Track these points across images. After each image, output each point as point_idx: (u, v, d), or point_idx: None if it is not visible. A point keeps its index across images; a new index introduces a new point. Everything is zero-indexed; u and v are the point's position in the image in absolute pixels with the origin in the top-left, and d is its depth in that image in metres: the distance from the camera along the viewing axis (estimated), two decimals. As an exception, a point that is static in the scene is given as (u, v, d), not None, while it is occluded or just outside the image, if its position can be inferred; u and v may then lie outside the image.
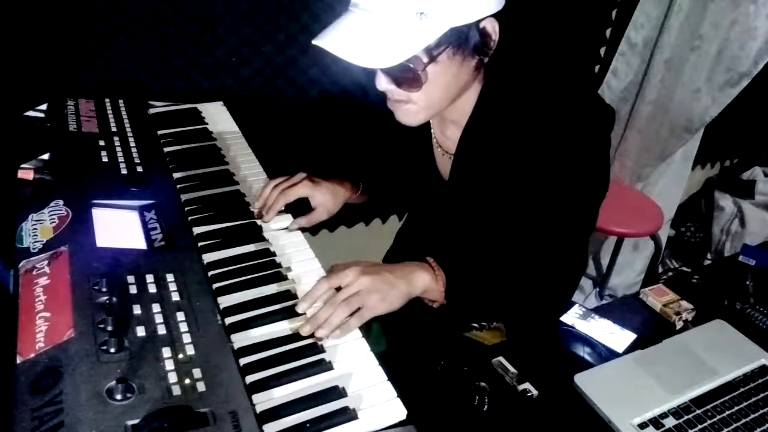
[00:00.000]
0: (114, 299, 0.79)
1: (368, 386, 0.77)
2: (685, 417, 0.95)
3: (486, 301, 1.05)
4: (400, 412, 0.74)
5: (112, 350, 0.72)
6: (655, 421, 0.94)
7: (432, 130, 1.12)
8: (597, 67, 2.32)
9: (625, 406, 0.96)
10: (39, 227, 0.92)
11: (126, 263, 0.87)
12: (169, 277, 0.86)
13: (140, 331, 0.76)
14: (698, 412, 0.96)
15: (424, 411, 0.82)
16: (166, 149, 1.21)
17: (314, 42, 0.87)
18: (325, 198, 1.13)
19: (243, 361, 0.77)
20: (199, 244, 0.97)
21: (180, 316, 0.80)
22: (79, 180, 1.04)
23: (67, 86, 1.41)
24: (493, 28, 0.89)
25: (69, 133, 1.17)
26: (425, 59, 0.87)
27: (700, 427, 0.94)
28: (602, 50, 2.29)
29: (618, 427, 0.93)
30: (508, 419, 0.95)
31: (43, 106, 1.24)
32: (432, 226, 1.23)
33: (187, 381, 0.70)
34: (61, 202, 0.97)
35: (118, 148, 1.16)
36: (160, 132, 1.27)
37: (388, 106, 0.98)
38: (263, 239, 1.02)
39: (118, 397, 0.67)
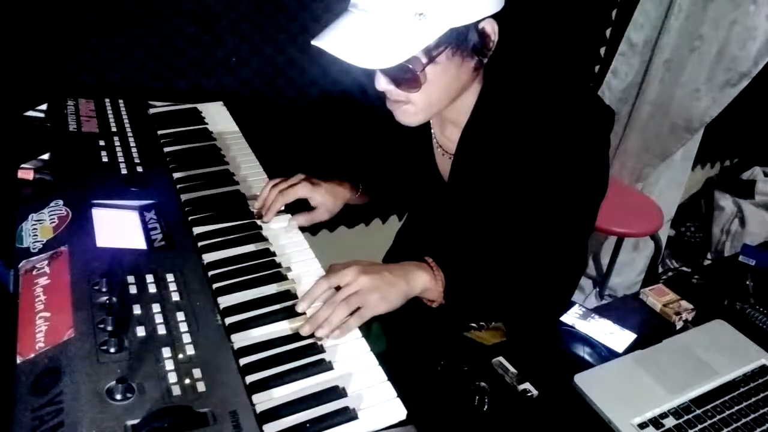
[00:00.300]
0: (114, 299, 0.79)
1: (368, 386, 0.77)
2: (685, 417, 0.95)
3: (485, 301, 1.05)
4: (400, 412, 0.74)
5: (112, 350, 0.72)
6: (655, 421, 0.94)
7: (432, 131, 1.12)
8: (597, 67, 2.32)
9: (625, 406, 0.96)
10: (39, 227, 0.92)
11: (126, 263, 0.87)
12: (169, 277, 0.86)
13: (140, 331, 0.76)
14: (698, 412, 0.96)
15: (424, 411, 0.82)
16: (166, 149, 1.21)
17: (313, 42, 0.87)
18: (325, 199, 1.13)
19: (243, 361, 0.77)
20: (199, 244, 0.97)
21: (180, 316, 0.80)
22: (79, 180, 1.04)
23: (67, 86, 1.41)
24: (492, 28, 0.89)
25: (69, 133, 1.17)
26: (424, 60, 0.87)
27: (700, 427, 0.94)
28: (602, 50, 2.29)
29: (618, 427, 0.93)
30: (508, 419, 0.95)
31: (43, 106, 1.24)
32: (432, 226, 1.23)
33: (187, 381, 0.70)
34: (61, 202, 0.97)
35: (118, 148, 1.16)
36: (160, 132, 1.27)
37: (388, 106, 0.98)
38: (263, 239, 1.02)
39: (118, 397, 0.67)
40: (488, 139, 1.02)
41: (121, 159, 1.13)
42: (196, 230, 1.00)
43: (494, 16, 0.89)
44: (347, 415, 0.72)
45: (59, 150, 1.11)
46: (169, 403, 0.67)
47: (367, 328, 0.88)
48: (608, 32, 2.25)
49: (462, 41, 0.88)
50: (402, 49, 0.84)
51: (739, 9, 1.95)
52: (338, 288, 0.88)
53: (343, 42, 0.86)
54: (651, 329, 1.14)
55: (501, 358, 1.04)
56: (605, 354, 1.07)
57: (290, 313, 0.87)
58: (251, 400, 0.72)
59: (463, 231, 1.14)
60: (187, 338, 0.76)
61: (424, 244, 1.27)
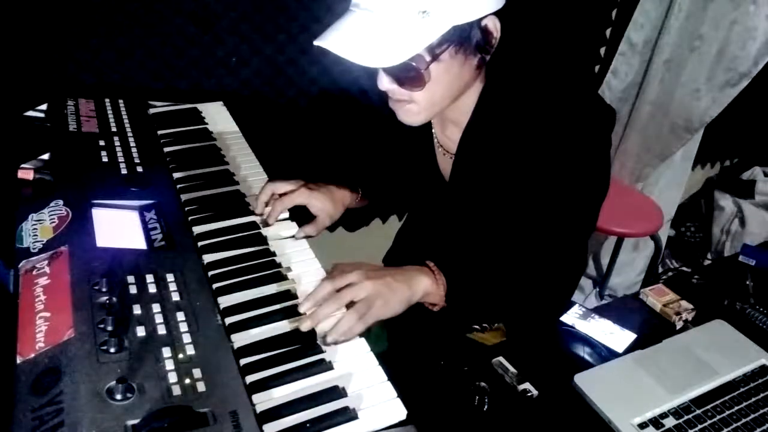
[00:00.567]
0: (114, 299, 0.79)
1: (368, 386, 0.77)
2: (685, 417, 0.95)
3: (487, 304, 1.05)
4: (400, 412, 0.74)
5: (112, 350, 0.72)
6: (655, 421, 0.94)
7: (433, 130, 1.12)
8: (597, 67, 2.32)
9: (625, 406, 0.96)
10: (39, 227, 0.92)
11: (126, 263, 0.87)
12: (169, 277, 0.86)
13: (140, 331, 0.76)
14: (698, 412, 0.96)
15: (424, 411, 0.82)
16: (166, 149, 1.21)
17: (316, 42, 0.87)
18: (324, 204, 1.12)
19: (243, 361, 0.77)
20: (199, 244, 0.97)
21: (180, 316, 0.80)
22: (79, 180, 1.04)
23: (67, 86, 1.41)
24: (494, 25, 0.89)
25: (69, 133, 1.17)
26: (428, 58, 0.87)
27: (700, 427, 0.94)
28: (602, 50, 2.29)
29: (618, 427, 0.93)
30: (508, 419, 0.95)
31: (43, 106, 1.24)
32: (432, 226, 1.23)
33: (187, 381, 0.70)
34: (61, 202, 0.97)
35: (118, 148, 1.16)
36: (160, 132, 1.27)
37: (390, 106, 0.97)
38: (263, 239, 1.02)
39: (118, 397, 0.67)
40: (489, 139, 1.02)
41: (121, 159, 1.13)
42: (196, 230, 1.00)
43: (496, 14, 0.89)
44: (347, 415, 0.72)
45: (59, 150, 1.11)
46: (169, 403, 0.67)
47: (367, 329, 0.87)
48: (608, 32, 2.25)
49: (465, 39, 0.88)
50: (405, 47, 0.84)
51: (739, 9, 1.95)
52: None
53: (346, 41, 0.85)
54: (651, 329, 1.14)
55: (501, 358, 1.04)
56: (605, 354, 1.07)
57: (290, 313, 0.87)
58: (251, 400, 0.72)
59: (464, 231, 1.14)
60: (187, 338, 0.76)
61: (425, 245, 1.28)
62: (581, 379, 1.00)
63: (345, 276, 0.88)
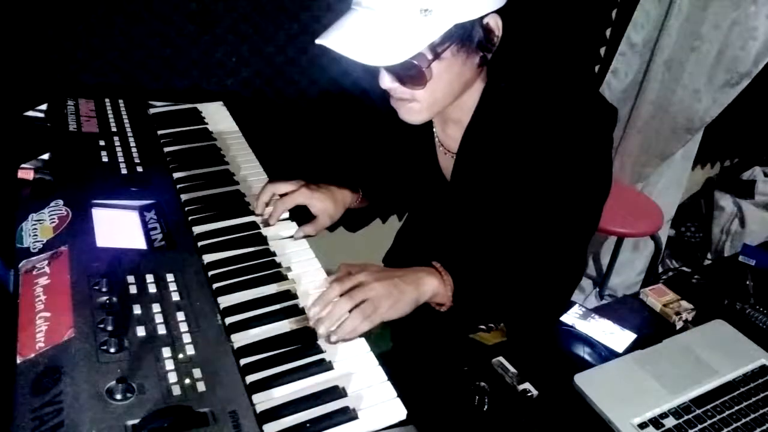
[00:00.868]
0: (114, 299, 0.79)
1: (368, 386, 0.77)
2: (685, 417, 0.95)
3: (493, 304, 1.05)
4: (400, 412, 0.74)
5: (112, 350, 0.72)
6: (655, 421, 0.94)
7: (434, 129, 1.12)
8: (597, 67, 2.32)
9: (625, 406, 0.96)
10: (39, 227, 0.92)
11: (126, 263, 0.87)
12: (169, 277, 0.86)
13: (140, 331, 0.76)
14: (698, 412, 0.96)
15: (424, 411, 0.82)
16: (166, 149, 1.21)
17: (318, 41, 0.87)
18: (325, 205, 1.12)
19: (243, 361, 0.77)
20: (199, 244, 0.97)
21: (180, 316, 0.80)
22: (79, 180, 1.04)
23: (67, 86, 1.41)
24: (496, 24, 0.89)
25: (69, 133, 1.17)
26: (430, 56, 0.87)
27: (700, 427, 0.94)
28: (602, 50, 2.29)
29: (618, 427, 0.93)
30: (508, 419, 0.95)
31: (43, 106, 1.24)
32: (433, 226, 1.23)
33: (187, 381, 0.70)
34: (61, 202, 0.97)
35: (118, 148, 1.16)
36: (160, 132, 1.27)
37: (392, 104, 0.97)
38: (263, 239, 1.02)
39: (118, 397, 0.67)
40: (491, 138, 1.02)
41: (121, 159, 1.13)
42: (196, 230, 1.00)
43: (498, 12, 0.89)
44: (347, 415, 0.72)
45: (59, 150, 1.11)
46: (169, 403, 0.67)
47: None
48: (608, 32, 2.25)
49: (467, 37, 0.88)
50: (407, 45, 0.84)
51: (739, 9, 1.95)
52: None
53: (348, 40, 0.85)
54: (651, 329, 1.14)
55: (501, 358, 1.04)
56: (605, 354, 1.07)
57: (290, 313, 0.86)
58: (251, 400, 0.72)
59: (466, 230, 1.14)
60: (187, 338, 0.76)
61: (425, 245, 1.27)
62: (581, 379, 1.00)
63: (353, 277, 0.88)
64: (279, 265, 0.96)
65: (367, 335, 0.85)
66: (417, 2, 0.83)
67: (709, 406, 0.97)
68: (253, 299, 0.88)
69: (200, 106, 1.40)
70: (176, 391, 0.69)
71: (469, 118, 1.03)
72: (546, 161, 0.98)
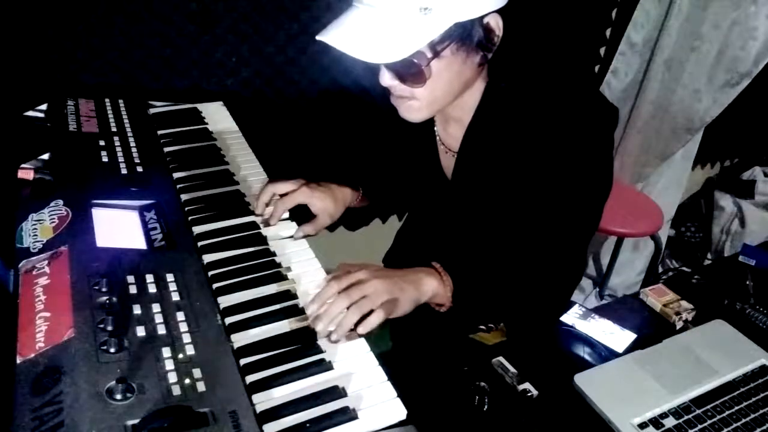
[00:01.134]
0: (114, 299, 0.79)
1: (368, 386, 0.77)
2: (685, 417, 0.95)
3: (493, 304, 1.05)
4: (400, 412, 0.74)
5: (112, 350, 0.72)
6: (655, 421, 0.94)
7: (435, 128, 1.12)
8: (597, 67, 2.32)
9: (625, 406, 0.96)
10: (39, 227, 0.92)
11: (126, 263, 0.86)
12: (169, 277, 0.86)
13: (140, 331, 0.76)
14: (698, 412, 0.96)
15: (424, 411, 0.82)
16: (166, 149, 1.21)
17: (318, 38, 0.87)
18: (325, 204, 1.12)
19: (243, 361, 0.77)
20: (199, 244, 0.97)
21: (180, 316, 0.80)
22: (79, 180, 1.04)
23: (67, 86, 1.41)
24: (496, 23, 0.89)
25: (69, 133, 1.17)
26: (429, 54, 0.87)
27: (700, 427, 0.94)
28: (602, 50, 2.29)
29: (618, 427, 0.93)
30: (508, 419, 0.95)
31: (43, 106, 1.24)
32: (434, 225, 1.23)
33: (187, 381, 0.70)
34: (61, 202, 0.97)
35: (118, 148, 1.16)
36: (160, 132, 1.27)
37: (392, 102, 0.98)
38: (263, 239, 1.02)
39: (118, 397, 0.66)
40: (492, 137, 1.02)
41: (121, 159, 1.13)
42: (196, 230, 1.00)
43: (499, 12, 0.89)
44: (347, 415, 0.72)
45: (59, 150, 1.11)
46: (169, 403, 0.67)
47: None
48: (608, 32, 2.25)
49: (467, 36, 0.88)
50: (407, 43, 0.84)
51: (739, 9, 1.95)
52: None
53: (348, 37, 0.86)
54: (651, 329, 1.14)
55: (501, 358, 1.04)
56: (605, 354, 1.07)
57: (290, 313, 0.86)
58: (251, 400, 0.72)
59: (466, 230, 1.14)
60: (187, 338, 0.76)
61: (425, 244, 1.27)
62: (581, 379, 1.00)
63: (352, 275, 0.88)
64: (279, 265, 0.96)
65: (367, 335, 0.86)
66: (417, 0, 0.83)
67: (709, 406, 0.97)
68: (253, 299, 0.88)
69: (200, 106, 1.40)
70: (176, 391, 0.69)
71: (471, 117, 1.03)
72: (547, 161, 0.98)
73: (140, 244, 0.92)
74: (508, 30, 0.91)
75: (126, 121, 1.26)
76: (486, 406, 0.95)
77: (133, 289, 0.82)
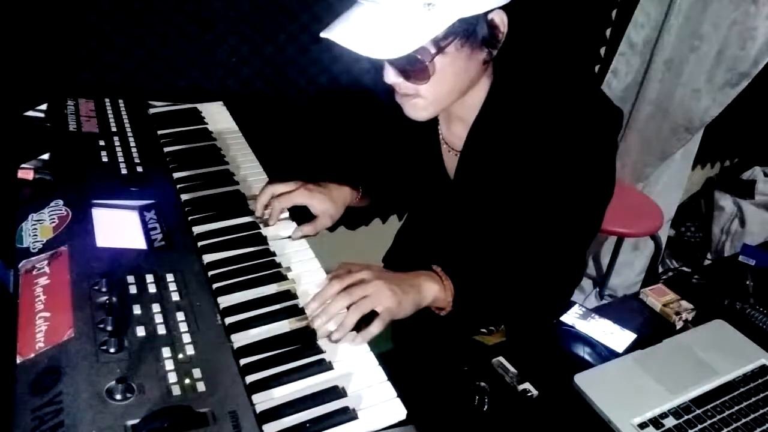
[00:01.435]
0: (114, 299, 0.79)
1: (368, 386, 0.77)
2: (685, 417, 0.95)
3: (493, 308, 1.05)
4: (400, 412, 0.74)
5: (112, 350, 0.72)
6: (655, 421, 0.94)
7: (438, 127, 1.12)
8: (597, 67, 2.32)
9: (625, 406, 0.96)
10: (39, 227, 0.92)
11: (126, 263, 0.87)
12: (169, 277, 0.86)
13: (140, 331, 0.76)
14: (698, 412, 0.96)
15: (424, 411, 0.82)
16: (166, 149, 1.21)
17: (322, 34, 0.87)
18: (325, 205, 1.12)
19: (243, 361, 0.77)
20: (199, 244, 0.97)
21: (180, 316, 0.80)
22: (79, 180, 1.04)
23: (67, 86, 1.41)
24: (501, 20, 0.89)
25: (69, 133, 1.17)
26: (433, 50, 0.87)
27: (700, 427, 0.94)
28: (602, 50, 2.29)
29: (618, 427, 0.93)
30: (508, 419, 0.95)
31: (43, 106, 1.24)
32: (434, 225, 1.23)
33: (187, 381, 0.70)
34: (61, 202, 0.97)
35: (118, 148, 1.16)
36: (160, 132, 1.27)
37: (396, 100, 0.97)
38: (263, 239, 1.02)
39: (118, 397, 0.67)
40: (496, 137, 1.02)
41: (121, 159, 1.13)
42: (196, 230, 1.00)
43: (504, 9, 0.88)
44: (347, 415, 0.72)
45: (59, 150, 1.11)
46: (169, 403, 0.67)
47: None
48: (608, 32, 2.25)
49: (471, 32, 0.88)
50: (411, 39, 0.84)
51: (739, 9, 1.95)
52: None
53: (352, 33, 0.85)
54: (651, 329, 1.14)
55: (501, 358, 1.04)
56: (605, 354, 1.07)
57: (290, 313, 0.87)
58: (251, 400, 0.72)
59: (467, 230, 1.14)
60: (187, 338, 0.76)
61: (426, 244, 1.27)
62: (581, 379, 1.00)
63: (354, 274, 0.88)
64: (279, 265, 0.96)
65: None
66: None
67: (709, 406, 0.97)
68: (253, 299, 0.88)
69: (200, 106, 1.40)
70: (176, 391, 0.69)
71: (474, 116, 1.02)
72: (550, 162, 0.97)
73: (140, 244, 0.92)
74: (513, 28, 0.90)
75: (126, 121, 1.26)
76: (486, 406, 0.95)
77: (133, 289, 0.82)
